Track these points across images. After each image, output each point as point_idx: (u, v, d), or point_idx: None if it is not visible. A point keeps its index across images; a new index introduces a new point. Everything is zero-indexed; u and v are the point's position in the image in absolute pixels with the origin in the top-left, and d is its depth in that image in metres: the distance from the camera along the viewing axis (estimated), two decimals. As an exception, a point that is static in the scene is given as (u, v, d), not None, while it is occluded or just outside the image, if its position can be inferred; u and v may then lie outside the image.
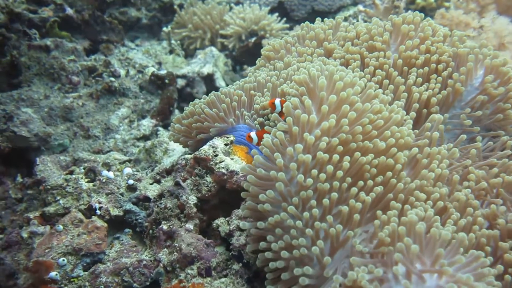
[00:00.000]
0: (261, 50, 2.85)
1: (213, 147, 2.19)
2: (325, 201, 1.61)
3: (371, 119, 1.77)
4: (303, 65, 2.46)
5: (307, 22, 2.84)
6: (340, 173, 1.66)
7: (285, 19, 4.63)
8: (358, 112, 1.77)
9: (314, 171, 1.64)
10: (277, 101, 2.11)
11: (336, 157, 1.67)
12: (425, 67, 2.29)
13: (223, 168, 2.12)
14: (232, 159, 2.18)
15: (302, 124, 1.74)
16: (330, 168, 1.65)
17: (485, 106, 2.21)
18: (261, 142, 1.84)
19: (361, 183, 1.70)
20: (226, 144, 2.22)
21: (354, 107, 1.77)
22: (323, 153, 1.66)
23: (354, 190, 1.66)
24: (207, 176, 2.16)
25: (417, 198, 1.70)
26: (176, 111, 3.85)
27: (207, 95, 4.16)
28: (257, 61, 2.92)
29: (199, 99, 4.05)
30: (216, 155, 2.16)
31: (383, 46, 2.36)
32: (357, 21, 4.37)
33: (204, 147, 2.20)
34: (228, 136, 2.25)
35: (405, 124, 1.91)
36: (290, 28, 4.69)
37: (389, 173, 1.72)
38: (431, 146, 1.97)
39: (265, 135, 1.87)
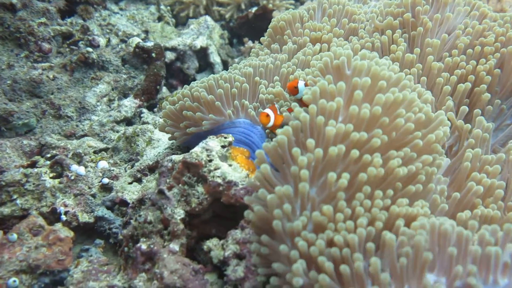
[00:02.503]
0: (271, 22, 2.38)
1: (207, 149, 1.75)
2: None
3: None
4: (324, 46, 2.03)
5: None
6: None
7: (291, -13, 4.11)
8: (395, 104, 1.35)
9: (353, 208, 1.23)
10: (301, 84, 1.67)
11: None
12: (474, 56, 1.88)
13: (218, 177, 1.70)
14: (230, 165, 1.76)
15: (329, 113, 1.31)
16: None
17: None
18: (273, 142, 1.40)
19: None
20: (223, 146, 1.79)
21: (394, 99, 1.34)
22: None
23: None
24: (198, 186, 1.74)
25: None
26: (164, 89, 3.38)
27: (200, 71, 3.76)
28: (262, 39, 2.46)
29: (190, 75, 3.65)
30: (210, 160, 1.73)
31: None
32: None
33: (196, 149, 1.76)
34: (225, 135, 1.82)
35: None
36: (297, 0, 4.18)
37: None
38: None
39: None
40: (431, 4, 2.00)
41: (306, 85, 1.68)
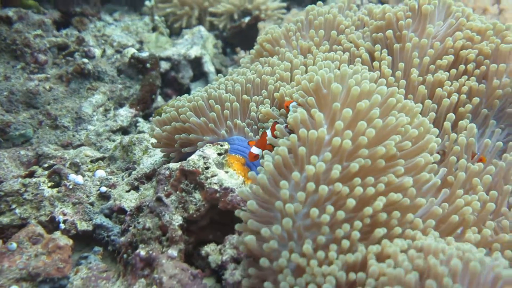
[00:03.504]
0: (257, 38, 2.44)
1: (204, 157, 1.80)
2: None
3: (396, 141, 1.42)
4: (309, 62, 2.08)
5: (313, 6, 2.43)
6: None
7: (282, -3, 4.19)
8: (379, 130, 1.41)
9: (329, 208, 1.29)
10: (293, 105, 1.73)
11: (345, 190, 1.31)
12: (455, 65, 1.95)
13: (215, 184, 1.75)
14: (226, 172, 1.81)
15: (310, 143, 1.37)
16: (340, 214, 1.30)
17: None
18: (260, 166, 1.47)
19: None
20: (219, 154, 1.84)
21: (374, 123, 1.40)
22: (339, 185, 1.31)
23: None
24: (195, 193, 1.78)
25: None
26: (159, 98, 3.42)
27: (194, 80, 3.80)
28: (251, 51, 2.50)
29: (185, 84, 3.69)
30: (207, 168, 1.78)
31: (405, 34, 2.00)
32: (361, 1, 4.00)
33: (193, 157, 1.81)
34: (222, 144, 1.87)
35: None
36: (287, 8, 4.26)
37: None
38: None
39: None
40: (414, 18, 2.06)
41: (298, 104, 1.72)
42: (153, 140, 2.22)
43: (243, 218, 1.43)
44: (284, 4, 4.10)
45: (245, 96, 2.00)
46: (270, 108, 1.97)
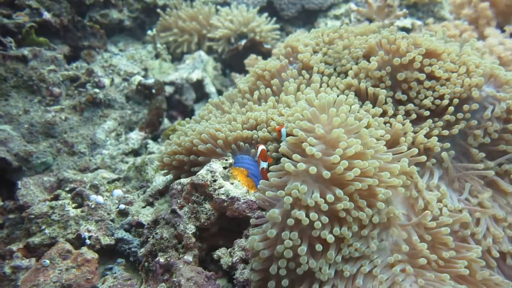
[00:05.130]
0: (253, 68, 2.60)
1: (211, 171, 2.03)
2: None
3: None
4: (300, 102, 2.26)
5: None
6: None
7: (275, 19, 4.46)
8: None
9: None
10: (284, 130, 1.96)
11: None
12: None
13: (223, 194, 1.97)
14: (232, 183, 2.03)
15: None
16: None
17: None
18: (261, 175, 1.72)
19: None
20: (225, 168, 2.06)
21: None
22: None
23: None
24: (205, 203, 2.01)
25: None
26: (166, 120, 3.67)
27: (197, 101, 4.04)
28: (246, 77, 2.69)
29: (189, 106, 3.94)
30: (214, 180, 2.01)
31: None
32: (349, 20, 4.24)
33: (202, 171, 2.04)
34: (226, 158, 2.10)
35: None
36: (281, 29, 4.52)
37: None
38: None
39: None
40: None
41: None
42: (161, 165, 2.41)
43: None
44: (277, 26, 4.37)
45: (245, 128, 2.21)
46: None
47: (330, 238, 1.61)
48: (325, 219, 1.61)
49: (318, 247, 1.62)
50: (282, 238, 1.61)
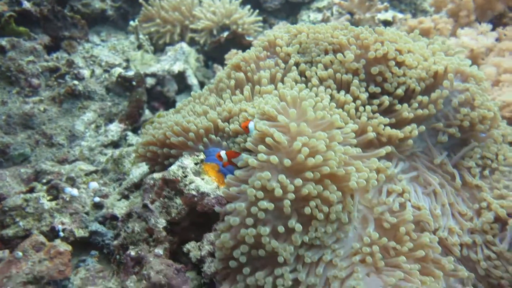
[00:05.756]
0: (230, 61, 2.63)
1: (182, 167, 2.06)
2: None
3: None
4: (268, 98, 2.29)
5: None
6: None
7: (257, 10, 4.46)
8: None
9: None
10: (251, 125, 1.99)
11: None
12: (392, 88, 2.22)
13: (193, 189, 2.01)
14: (202, 179, 2.06)
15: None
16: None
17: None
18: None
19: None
20: (196, 163, 2.10)
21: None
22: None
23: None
24: (176, 198, 2.04)
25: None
26: (147, 112, 3.68)
27: (179, 93, 4.05)
28: (224, 69, 2.71)
29: (170, 97, 3.96)
30: (185, 176, 2.04)
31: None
32: (331, 13, 4.26)
33: (173, 167, 2.07)
34: (198, 154, 2.13)
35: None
36: (264, 21, 4.53)
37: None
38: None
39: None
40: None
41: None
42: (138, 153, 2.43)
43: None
44: (260, 18, 4.38)
45: (217, 119, 2.24)
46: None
47: (298, 227, 1.62)
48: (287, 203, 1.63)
49: (281, 228, 1.62)
50: (246, 224, 1.63)
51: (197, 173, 2.09)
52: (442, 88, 2.16)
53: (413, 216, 1.87)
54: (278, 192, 1.60)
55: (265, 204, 1.60)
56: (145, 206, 2.09)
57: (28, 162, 2.98)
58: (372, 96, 2.22)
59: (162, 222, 2.03)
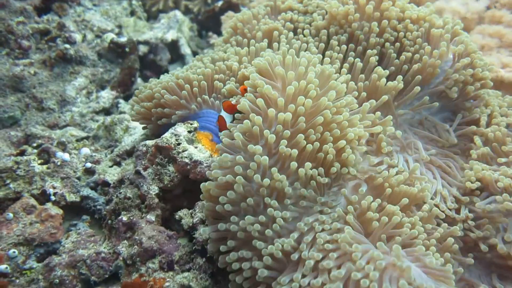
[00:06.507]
0: (227, 24, 2.66)
1: (175, 135, 2.06)
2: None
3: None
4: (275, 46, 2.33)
5: None
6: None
7: (254, -19, 4.37)
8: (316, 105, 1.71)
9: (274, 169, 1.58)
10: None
11: (295, 152, 1.61)
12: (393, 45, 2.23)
13: (186, 157, 2.01)
14: (196, 147, 2.07)
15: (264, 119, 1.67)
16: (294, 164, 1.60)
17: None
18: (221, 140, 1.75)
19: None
20: (189, 131, 2.10)
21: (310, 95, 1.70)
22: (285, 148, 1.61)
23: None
24: (169, 166, 2.05)
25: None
26: (139, 80, 3.64)
27: (172, 62, 4.00)
28: (223, 33, 2.74)
29: (163, 66, 3.91)
30: (178, 144, 2.04)
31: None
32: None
33: (166, 134, 2.07)
34: (191, 122, 2.13)
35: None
36: (260, -9, 4.45)
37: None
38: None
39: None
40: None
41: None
42: (133, 113, 2.42)
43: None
44: (256, -13, 4.29)
45: (216, 76, 2.24)
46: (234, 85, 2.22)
47: (301, 171, 1.63)
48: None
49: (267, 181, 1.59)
50: (236, 161, 1.63)
51: (190, 141, 2.09)
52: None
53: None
54: (272, 138, 1.62)
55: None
56: (137, 172, 2.09)
57: (18, 125, 2.94)
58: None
59: (154, 189, 2.04)
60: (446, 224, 1.84)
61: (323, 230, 1.59)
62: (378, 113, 1.96)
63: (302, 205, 1.63)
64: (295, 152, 1.60)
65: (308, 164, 1.63)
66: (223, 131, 1.82)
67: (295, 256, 1.54)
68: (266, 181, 1.57)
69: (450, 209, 1.94)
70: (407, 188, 1.77)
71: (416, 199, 1.79)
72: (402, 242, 1.59)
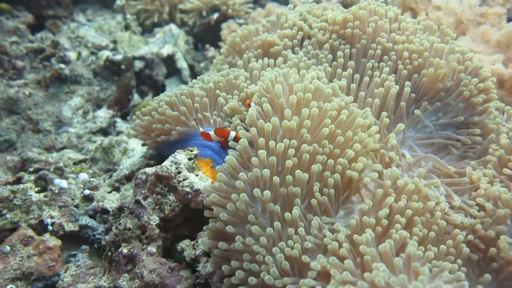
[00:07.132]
0: (227, 39, 2.62)
1: (175, 163, 2.01)
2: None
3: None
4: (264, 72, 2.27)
5: (282, 10, 2.62)
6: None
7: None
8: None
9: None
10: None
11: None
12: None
13: (187, 186, 1.96)
14: (196, 175, 2.02)
15: (267, 133, 1.68)
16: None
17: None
18: (225, 159, 1.71)
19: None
20: (190, 159, 2.05)
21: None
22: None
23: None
24: (170, 195, 2.00)
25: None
26: (136, 96, 3.59)
27: (168, 76, 3.95)
28: (221, 50, 2.70)
29: (159, 81, 3.86)
30: (179, 172, 1.99)
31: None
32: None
33: (166, 162, 2.02)
34: (191, 149, 2.08)
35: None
36: (254, 1, 4.40)
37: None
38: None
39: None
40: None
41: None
42: (132, 132, 2.39)
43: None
44: (251, -1, 4.25)
45: (217, 92, 2.21)
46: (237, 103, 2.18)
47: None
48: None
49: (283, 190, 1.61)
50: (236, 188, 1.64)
51: (191, 169, 2.04)
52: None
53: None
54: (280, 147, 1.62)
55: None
56: (137, 202, 2.04)
57: (14, 148, 2.89)
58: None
59: (155, 219, 1.99)
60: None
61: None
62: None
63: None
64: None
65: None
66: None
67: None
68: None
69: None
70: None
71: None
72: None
